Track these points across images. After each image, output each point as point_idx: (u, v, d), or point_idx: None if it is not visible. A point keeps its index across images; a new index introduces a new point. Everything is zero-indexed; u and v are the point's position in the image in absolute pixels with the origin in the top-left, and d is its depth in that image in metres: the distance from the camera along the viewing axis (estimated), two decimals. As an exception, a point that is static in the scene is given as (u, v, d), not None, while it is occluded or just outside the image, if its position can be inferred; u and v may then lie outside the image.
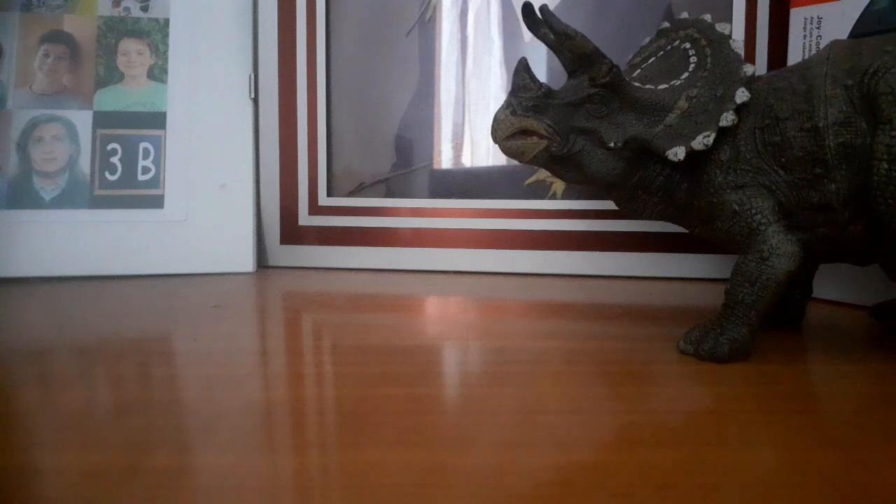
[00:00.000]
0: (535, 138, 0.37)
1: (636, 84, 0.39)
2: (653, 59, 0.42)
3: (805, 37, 0.50)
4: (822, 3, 0.49)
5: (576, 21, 0.66)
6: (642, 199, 0.41)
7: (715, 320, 0.37)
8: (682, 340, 0.37)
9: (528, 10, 0.38)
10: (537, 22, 0.39)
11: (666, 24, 0.43)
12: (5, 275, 0.62)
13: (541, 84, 0.38)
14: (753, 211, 0.35)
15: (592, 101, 0.38)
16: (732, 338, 0.35)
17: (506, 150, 0.38)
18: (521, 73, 0.38)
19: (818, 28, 0.49)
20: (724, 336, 0.35)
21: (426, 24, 0.69)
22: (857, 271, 0.50)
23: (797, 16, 0.51)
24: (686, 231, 0.51)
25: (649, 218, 0.42)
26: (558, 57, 0.39)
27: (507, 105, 0.37)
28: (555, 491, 0.21)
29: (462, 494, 0.21)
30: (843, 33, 0.47)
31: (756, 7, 0.61)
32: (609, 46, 0.65)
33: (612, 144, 0.37)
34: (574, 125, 0.38)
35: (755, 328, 0.36)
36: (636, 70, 0.42)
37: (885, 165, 0.32)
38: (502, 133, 0.38)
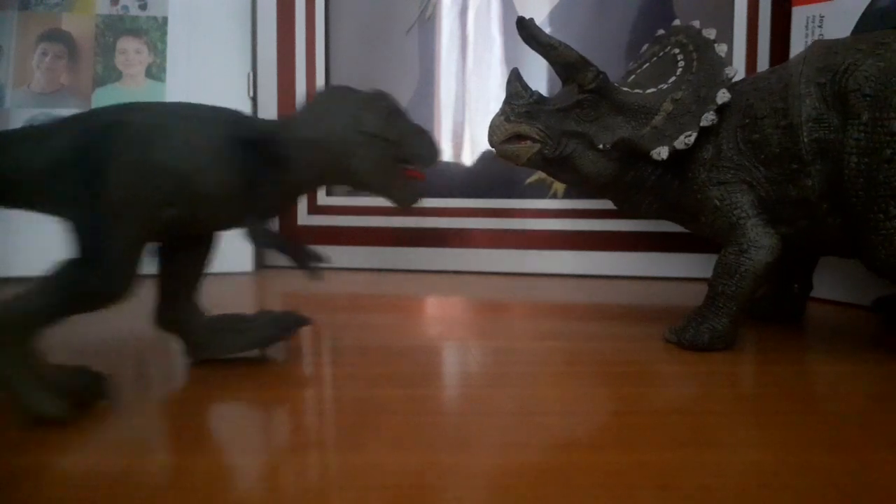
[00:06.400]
0: (528, 142, 0.39)
1: (624, 89, 0.40)
2: (647, 65, 0.44)
3: (807, 35, 0.50)
4: (823, 1, 0.49)
5: (576, 21, 0.66)
6: (637, 198, 0.42)
7: (698, 311, 0.38)
8: (668, 330, 0.39)
9: (521, 23, 0.39)
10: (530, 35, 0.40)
11: (661, 32, 0.45)
12: (5, 275, 0.62)
13: (532, 92, 0.40)
14: (733, 206, 0.37)
15: (582, 106, 0.39)
16: (712, 327, 0.37)
17: (502, 154, 0.40)
18: (513, 82, 0.40)
19: (820, 27, 0.49)
20: (705, 325, 0.37)
21: (426, 22, 0.69)
22: (857, 271, 0.50)
23: (799, 14, 0.50)
24: (686, 230, 0.52)
25: (646, 215, 0.43)
26: (552, 67, 0.41)
27: (502, 112, 0.40)
28: (555, 491, 0.21)
29: (462, 495, 0.21)
30: (845, 32, 0.47)
31: (758, 5, 0.61)
32: (609, 46, 0.65)
33: (601, 146, 0.39)
34: (565, 129, 0.39)
35: (736, 318, 0.37)
36: (631, 76, 0.43)
37: (855, 159, 0.33)
38: (497, 138, 0.40)
